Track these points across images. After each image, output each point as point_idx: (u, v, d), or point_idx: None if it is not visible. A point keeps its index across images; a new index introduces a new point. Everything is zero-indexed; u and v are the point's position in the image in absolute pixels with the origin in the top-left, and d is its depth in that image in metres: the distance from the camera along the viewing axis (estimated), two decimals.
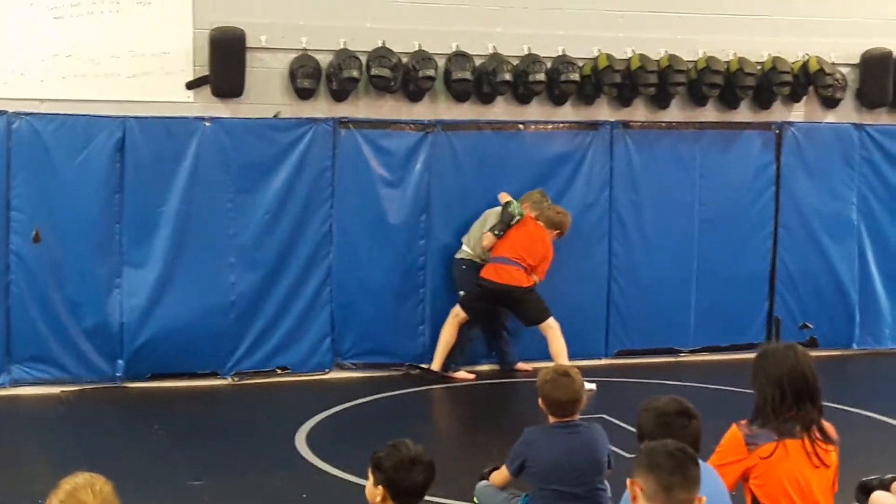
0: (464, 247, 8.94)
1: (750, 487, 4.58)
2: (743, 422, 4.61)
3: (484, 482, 5.69)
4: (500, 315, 9.06)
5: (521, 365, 9.10)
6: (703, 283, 9.71)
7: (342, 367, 8.89)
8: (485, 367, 9.13)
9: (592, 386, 8.23)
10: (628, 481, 3.47)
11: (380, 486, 4.04)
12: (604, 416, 6.86)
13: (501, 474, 5.54)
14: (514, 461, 5.43)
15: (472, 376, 8.84)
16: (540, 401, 5.47)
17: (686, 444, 4.22)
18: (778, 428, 4.52)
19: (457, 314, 8.81)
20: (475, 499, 5.71)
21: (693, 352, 9.79)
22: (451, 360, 8.86)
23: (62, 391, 8.16)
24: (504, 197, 8.90)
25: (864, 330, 10.04)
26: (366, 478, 5.93)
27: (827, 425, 4.61)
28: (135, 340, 8.29)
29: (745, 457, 4.53)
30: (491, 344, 9.19)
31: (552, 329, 8.69)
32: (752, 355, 9.72)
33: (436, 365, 8.80)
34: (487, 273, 8.74)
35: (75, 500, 2.98)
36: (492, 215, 8.90)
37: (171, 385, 8.38)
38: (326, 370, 8.84)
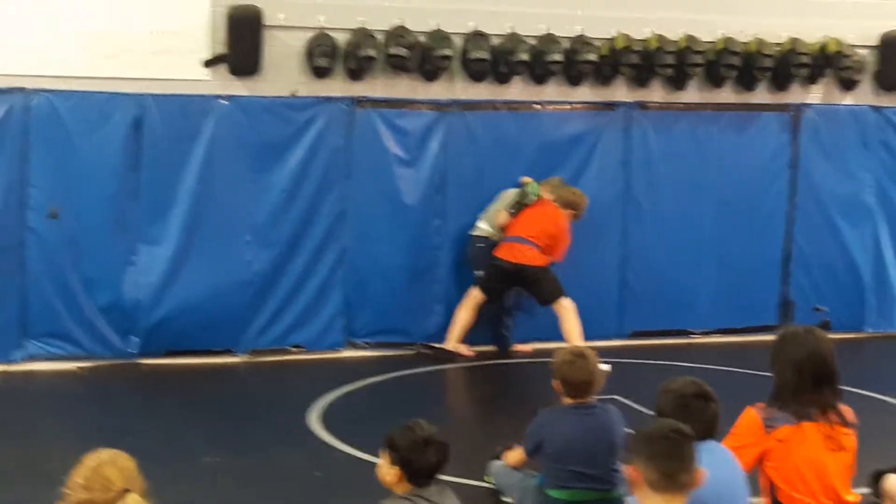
0: (481, 224, 8.90)
1: (766, 470, 4.58)
2: (760, 404, 4.61)
3: (498, 462, 5.72)
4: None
5: (518, 346, 9.08)
6: (717, 264, 9.67)
7: (356, 346, 8.91)
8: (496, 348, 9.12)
9: (607, 367, 8.22)
10: (628, 469, 3.47)
11: (394, 467, 4.05)
12: (616, 396, 6.84)
13: (516, 454, 5.56)
14: (530, 441, 5.44)
15: (471, 353, 8.78)
16: (555, 382, 5.48)
17: (704, 426, 4.26)
18: (796, 411, 4.52)
19: (475, 296, 8.80)
20: (488, 478, 5.74)
21: (706, 333, 9.76)
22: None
23: (77, 367, 8.19)
24: (526, 180, 8.89)
25: (877, 313, 10.01)
26: (379, 457, 6.03)
27: (845, 409, 4.61)
28: (150, 317, 8.31)
29: (762, 439, 4.53)
30: (490, 325, 9.13)
31: (566, 309, 8.68)
32: (765, 338, 9.84)
33: (449, 344, 8.81)
34: (501, 252, 8.73)
35: (99, 476, 2.99)
36: (509, 195, 8.88)
37: (185, 362, 8.40)
38: (340, 349, 8.86)
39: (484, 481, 5.74)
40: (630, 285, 9.55)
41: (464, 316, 8.81)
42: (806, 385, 4.55)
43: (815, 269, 9.91)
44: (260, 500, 5.55)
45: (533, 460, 5.52)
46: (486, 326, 9.10)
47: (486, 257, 8.79)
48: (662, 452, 3.47)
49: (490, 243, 8.82)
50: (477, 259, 8.85)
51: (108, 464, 3.06)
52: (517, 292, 9.06)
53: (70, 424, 6.93)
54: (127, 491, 2.97)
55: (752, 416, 4.60)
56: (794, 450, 4.49)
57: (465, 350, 8.84)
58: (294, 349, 8.73)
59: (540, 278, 8.71)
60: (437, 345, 8.87)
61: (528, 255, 8.67)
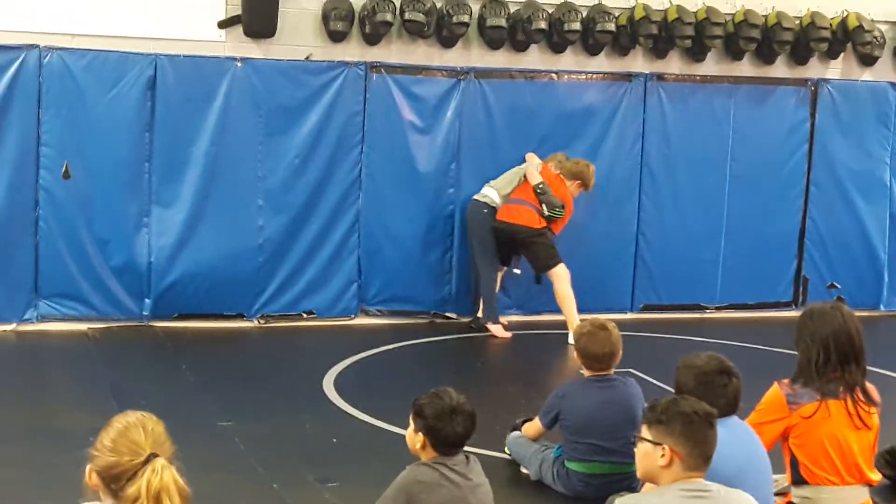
0: (487, 191, 8.74)
1: (789, 447, 4.56)
2: (785, 381, 4.59)
3: (515, 433, 5.69)
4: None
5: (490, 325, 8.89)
6: (731, 239, 9.63)
7: (368, 314, 8.87)
8: (512, 318, 9.07)
9: None
10: (663, 448, 3.44)
11: (420, 434, 4.03)
12: (632, 370, 6.81)
13: (534, 426, 5.54)
14: (548, 414, 5.42)
15: (508, 334, 8.69)
16: (575, 354, 5.45)
17: (726, 402, 4.24)
18: (821, 388, 4.50)
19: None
20: (506, 449, 5.72)
21: (719, 308, 9.73)
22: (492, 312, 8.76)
23: (89, 328, 8.16)
24: (531, 157, 8.77)
25: (892, 291, 9.99)
26: (395, 424, 6.01)
27: (870, 387, 4.59)
28: (162, 280, 8.27)
29: (786, 415, 4.51)
30: (475, 297, 9.03)
31: (560, 278, 8.50)
32: (778, 314, 9.81)
33: (480, 313, 8.76)
34: (500, 214, 8.59)
35: (126, 440, 2.92)
36: (517, 172, 8.71)
37: (197, 325, 8.37)
38: (352, 316, 8.82)
39: (504, 453, 5.71)
40: (643, 258, 9.50)
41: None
42: (831, 362, 4.53)
43: (830, 246, 9.87)
44: (276, 465, 5.52)
45: (550, 432, 5.50)
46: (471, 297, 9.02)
47: (486, 226, 8.64)
48: (708, 440, 3.47)
49: (494, 212, 8.68)
50: (476, 223, 8.71)
51: (136, 426, 2.97)
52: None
53: (83, 385, 6.92)
54: (155, 455, 2.90)
55: (776, 392, 4.58)
56: (818, 427, 4.48)
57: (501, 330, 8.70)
58: (306, 315, 8.69)
59: (535, 242, 8.50)
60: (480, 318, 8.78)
61: (525, 217, 8.49)
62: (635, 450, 3.60)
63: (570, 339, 8.04)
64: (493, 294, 8.76)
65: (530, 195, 8.53)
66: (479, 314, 8.83)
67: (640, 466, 3.57)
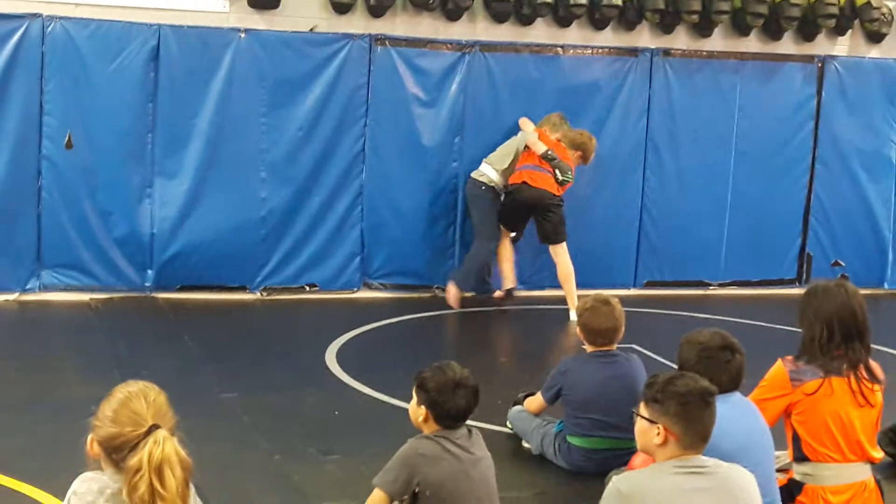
0: (485, 168, 8.67)
1: (792, 423, 4.55)
2: (788, 357, 4.57)
3: (517, 407, 5.69)
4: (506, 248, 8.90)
5: (498, 293, 8.94)
6: (736, 216, 9.61)
7: (370, 287, 8.87)
8: (521, 293, 9.05)
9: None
10: (658, 427, 3.43)
11: (422, 407, 4.02)
12: (635, 346, 6.81)
13: (536, 401, 5.54)
14: (550, 389, 5.42)
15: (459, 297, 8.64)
16: (578, 329, 5.44)
17: (729, 378, 4.23)
18: (824, 365, 4.48)
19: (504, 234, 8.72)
20: (508, 424, 5.72)
21: (722, 285, 9.73)
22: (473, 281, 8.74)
23: (91, 298, 8.17)
24: (525, 123, 8.70)
25: None
26: (397, 397, 6.02)
27: (874, 364, 4.57)
28: (165, 251, 8.27)
29: (788, 392, 4.50)
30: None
31: (566, 254, 8.50)
32: (782, 291, 9.79)
33: (508, 283, 8.75)
34: (520, 178, 8.46)
35: (128, 410, 2.91)
36: (514, 143, 8.67)
37: (199, 297, 8.37)
38: (355, 289, 8.82)
39: (506, 427, 5.71)
40: (647, 234, 9.48)
41: (503, 253, 8.73)
42: (835, 339, 4.50)
43: (834, 224, 9.85)
44: (279, 437, 5.53)
45: (552, 407, 5.50)
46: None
47: (485, 202, 8.62)
48: (704, 418, 3.46)
49: (492, 190, 8.64)
50: (477, 198, 8.66)
51: (137, 397, 2.95)
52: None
53: (85, 355, 6.93)
54: (156, 427, 2.89)
55: (779, 368, 4.57)
56: (821, 404, 4.46)
57: (454, 295, 8.60)
58: (309, 288, 8.69)
59: (553, 212, 8.47)
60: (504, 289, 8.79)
61: (547, 182, 8.43)
62: (635, 425, 3.60)
63: (573, 316, 8.08)
64: (478, 264, 8.69)
65: (542, 162, 8.47)
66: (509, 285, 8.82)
67: (639, 441, 3.60)
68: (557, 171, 8.43)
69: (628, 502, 3.39)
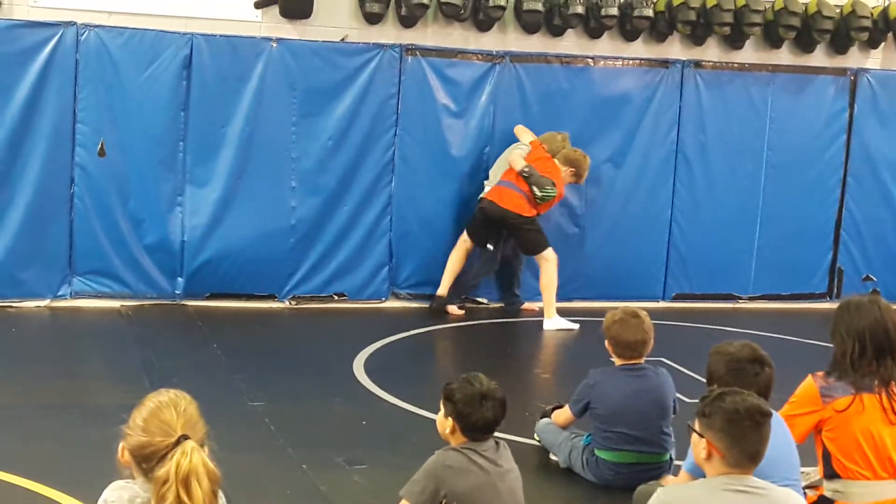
0: (487, 188, 8.64)
1: (822, 440, 4.51)
2: (819, 373, 4.53)
3: (545, 420, 5.67)
4: (513, 255, 8.88)
5: (527, 305, 8.95)
6: (766, 229, 9.56)
7: (398, 297, 8.88)
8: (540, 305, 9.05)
9: (576, 326, 8.27)
10: (704, 441, 3.39)
11: (449, 418, 4.02)
12: (663, 359, 6.78)
13: (564, 414, 5.51)
14: (578, 402, 5.39)
15: (460, 312, 8.65)
16: (606, 342, 5.41)
17: (757, 392, 4.17)
18: (855, 382, 4.44)
19: (465, 240, 8.66)
20: (536, 436, 5.70)
21: (752, 299, 9.67)
22: (454, 295, 8.71)
23: (122, 305, 8.22)
24: (520, 132, 8.64)
25: None
26: (424, 408, 6.02)
27: None
28: (195, 259, 8.31)
29: (819, 408, 4.46)
30: (500, 284, 8.99)
31: (547, 262, 8.46)
32: (812, 306, 9.71)
33: (442, 290, 8.68)
34: (490, 195, 8.50)
35: (158, 420, 2.91)
36: (508, 157, 8.61)
37: (228, 305, 8.41)
38: (383, 299, 8.83)
39: (533, 440, 5.70)
40: (676, 246, 9.45)
41: (453, 261, 8.66)
42: (867, 356, 4.46)
43: (866, 238, 9.78)
44: (306, 446, 5.53)
45: (580, 420, 5.48)
46: (497, 284, 8.98)
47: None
48: (751, 437, 3.38)
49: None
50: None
51: (168, 406, 2.95)
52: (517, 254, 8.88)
53: (116, 362, 6.97)
54: (185, 437, 2.89)
55: (809, 384, 4.53)
56: (852, 421, 4.42)
57: (454, 310, 8.66)
58: (337, 297, 8.71)
59: (524, 228, 8.47)
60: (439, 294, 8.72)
61: (515, 203, 8.42)
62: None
63: (546, 325, 8.19)
64: (485, 272, 8.77)
65: (520, 179, 8.44)
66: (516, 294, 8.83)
67: (693, 452, 3.54)
68: (535, 189, 8.39)
69: None
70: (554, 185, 8.45)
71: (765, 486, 3.39)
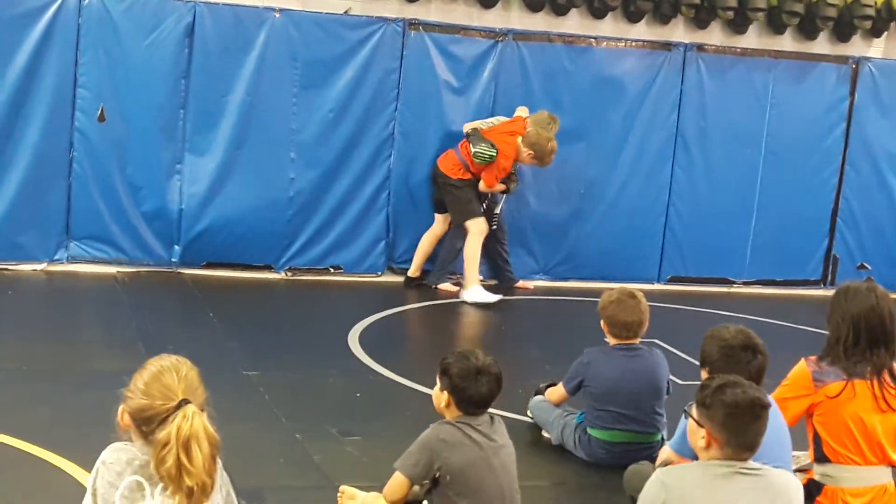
0: None
1: (813, 424, 4.55)
2: (812, 358, 4.57)
3: (539, 397, 5.70)
4: (500, 233, 8.86)
5: (522, 283, 8.95)
6: (763, 215, 9.57)
7: (394, 271, 8.89)
8: (539, 283, 9.08)
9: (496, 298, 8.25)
10: (704, 431, 3.42)
11: (445, 392, 4.05)
12: (657, 340, 6.81)
13: (557, 391, 5.55)
14: (572, 380, 5.43)
15: (455, 289, 8.61)
16: (602, 322, 5.44)
17: (749, 378, 4.19)
18: (848, 368, 4.47)
19: (437, 219, 8.66)
20: (529, 413, 5.73)
21: (746, 284, 9.70)
22: (443, 273, 8.69)
23: (118, 271, 8.23)
24: (521, 110, 8.65)
25: None
26: (418, 382, 6.05)
27: None
28: (192, 227, 8.31)
29: (811, 393, 4.49)
30: (492, 261, 8.95)
31: (472, 234, 8.39)
32: (806, 292, 9.73)
33: (412, 270, 8.67)
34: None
35: (159, 384, 2.94)
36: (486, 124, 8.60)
37: (225, 274, 8.42)
38: (379, 273, 8.84)
39: (527, 416, 5.73)
40: (673, 229, 9.46)
41: (423, 240, 8.64)
42: (861, 343, 4.49)
43: (862, 226, 9.80)
44: (300, 416, 5.56)
45: (573, 398, 5.52)
46: (487, 263, 8.91)
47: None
48: (751, 429, 3.43)
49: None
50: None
51: (169, 371, 2.98)
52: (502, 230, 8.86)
53: (111, 328, 6.98)
54: (186, 401, 2.92)
55: (802, 368, 4.56)
56: (843, 406, 4.46)
57: (448, 287, 8.61)
58: (333, 270, 8.73)
59: (450, 191, 8.42)
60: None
61: (447, 163, 8.43)
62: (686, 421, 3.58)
63: (464, 296, 8.21)
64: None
65: (465, 145, 8.43)
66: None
67: (689, 439, 3.57)
68: (471, 145, 8.34)
69: (669, 492, 3.38)
70: (493, 147, 8.33)
71: (761, 468, 3.43)
